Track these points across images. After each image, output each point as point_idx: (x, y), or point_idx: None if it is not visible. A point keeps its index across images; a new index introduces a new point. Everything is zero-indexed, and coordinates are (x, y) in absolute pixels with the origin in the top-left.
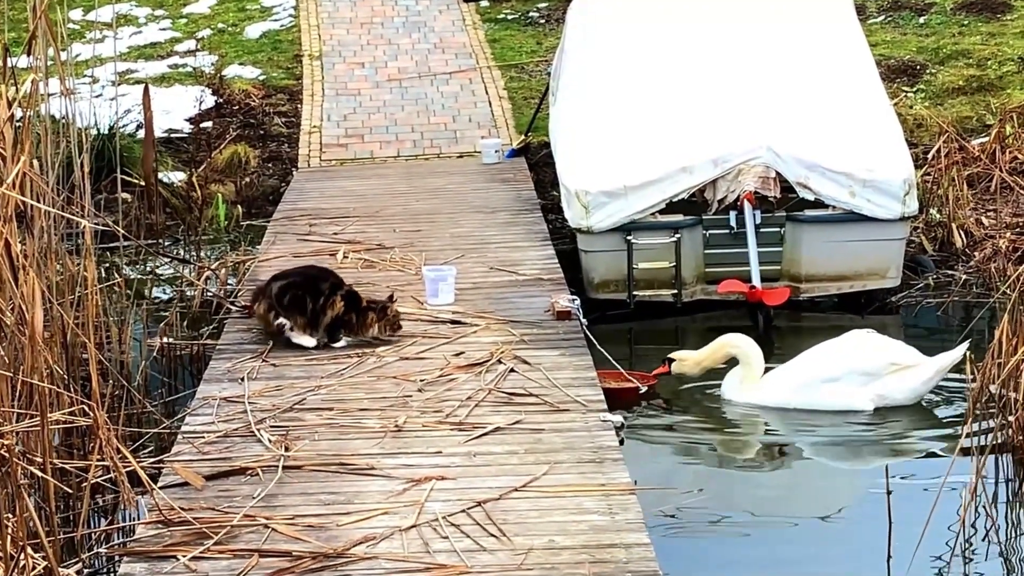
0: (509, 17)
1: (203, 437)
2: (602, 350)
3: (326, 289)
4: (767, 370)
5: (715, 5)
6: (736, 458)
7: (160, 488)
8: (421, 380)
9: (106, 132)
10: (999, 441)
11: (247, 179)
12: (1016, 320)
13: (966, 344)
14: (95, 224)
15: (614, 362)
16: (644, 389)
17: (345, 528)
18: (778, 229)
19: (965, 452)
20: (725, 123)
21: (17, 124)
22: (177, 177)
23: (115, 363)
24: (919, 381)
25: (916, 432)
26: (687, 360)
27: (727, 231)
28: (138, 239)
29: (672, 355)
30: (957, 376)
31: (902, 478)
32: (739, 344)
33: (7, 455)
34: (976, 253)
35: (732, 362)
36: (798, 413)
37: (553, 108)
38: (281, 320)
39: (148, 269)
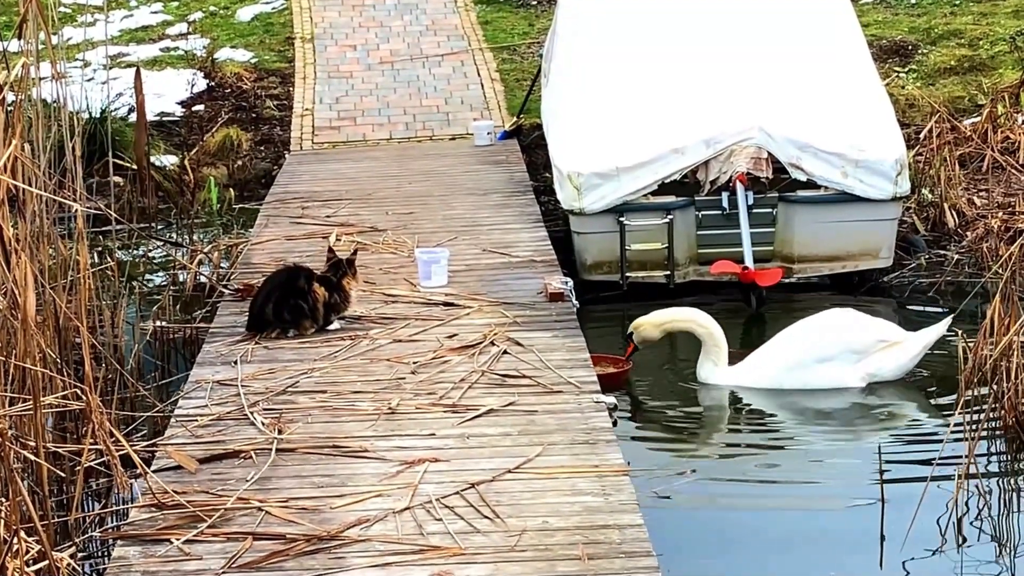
0: None
1: (196, 420)
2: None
3: (304, 285)
4: (750, 351)
5: None
6: (729, 439)
7: (153, 471)
8: (414, 362)
9: (98, 116)
10: (991, 420)
11: (239, 162)
12: (1008, 299)
13: (949, 319)
14: (87, 208)
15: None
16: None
17: (339, 510)
18: (770, 210)
19: (958, 430)
20: (717, 104)
21: (8, 108)
22: (169, 160)
23: (108, 347)
24: (907, 357)
25: (908, 411)
26: (644, 324)
27: (719, 212)
28: (130, 223)
29: (631, 328)
30: (950, 353)
31: (896, 457)
32: (706, 325)
33: (0, 439)
34: (968, 233)
35: (694, 341)
36: (789, 393)
37: (545, 90)
38: (293, 332)
39: (141, 253)
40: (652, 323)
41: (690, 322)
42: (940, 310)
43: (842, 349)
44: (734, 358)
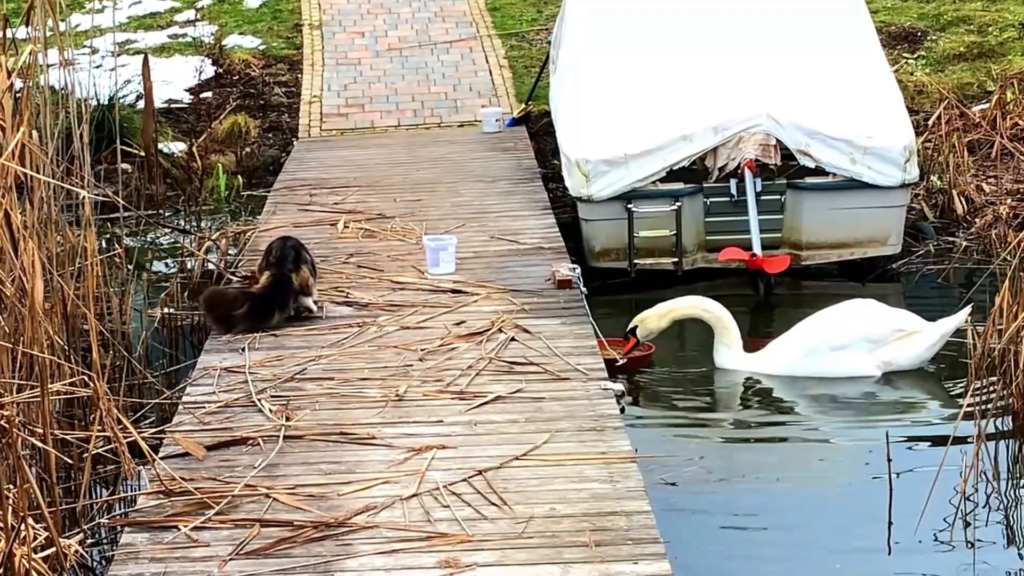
0: None
1: (204, 407)
2: (592, 322)
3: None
4: (765, 339)
5: None
6: (737, 426)
7: (161, 458)
8: (422, 349)
9: (106, 103)
10: (1000, 407)
11: (247, 149)
12: (1016, 286)
13: (968, 308)
14: (95, 195)
15: (597, 331)
16: (621, 361)
17: (346, 497)
18: (779, 197)
19: (967, 418)
20: (725, 91)
21: (16, 95)
22: (177, 147)
23: (116, 334)
24: (924, 347)
25: (918, 399)
26: (648, 316)
27: (728, 199)
28: (138, 210)
29: (632, 324)
30: (960, 341)
31: (904, 445)
32: (711, 309)
33: (8, 426)
34: (977, 220)
35: (705, 328)
36: (801, 380)
37: (553, 77)
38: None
39: (148, 240)
40: (656, 314)
41: (694, 308)
42: (948, 295)
43: (857, 337)
44: (748, 347)
